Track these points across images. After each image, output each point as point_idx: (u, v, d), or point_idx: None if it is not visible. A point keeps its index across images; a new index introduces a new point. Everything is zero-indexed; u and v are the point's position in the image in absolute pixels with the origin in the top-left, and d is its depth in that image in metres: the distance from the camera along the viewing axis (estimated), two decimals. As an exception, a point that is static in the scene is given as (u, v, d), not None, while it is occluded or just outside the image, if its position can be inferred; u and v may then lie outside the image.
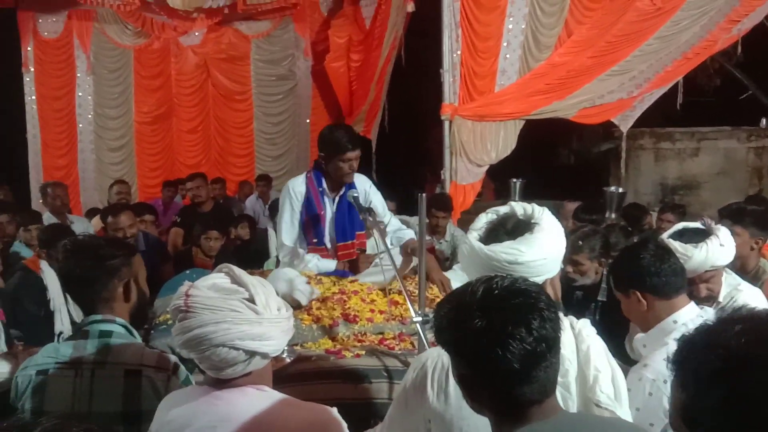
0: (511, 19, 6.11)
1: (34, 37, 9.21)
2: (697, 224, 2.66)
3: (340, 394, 2.37)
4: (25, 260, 3.85)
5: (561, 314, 1.29)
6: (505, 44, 6.14)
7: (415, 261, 3.14)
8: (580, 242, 3.25)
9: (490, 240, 1.74)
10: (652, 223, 5.44)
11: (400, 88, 8.33)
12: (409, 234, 3.33)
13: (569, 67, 6.05)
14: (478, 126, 6.14)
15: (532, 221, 1.76)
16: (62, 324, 3.66)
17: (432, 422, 1.61)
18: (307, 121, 9.67)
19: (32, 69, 9.27)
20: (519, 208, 1.83)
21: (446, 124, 6.17)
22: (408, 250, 3.19)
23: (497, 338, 1.17)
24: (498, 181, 8.13)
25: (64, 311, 3.70)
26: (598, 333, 1.70)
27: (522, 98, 6.15)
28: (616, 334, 2.49)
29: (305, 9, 9.16)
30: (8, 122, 9.71)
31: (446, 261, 4.87)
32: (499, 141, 6.19)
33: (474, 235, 1.79)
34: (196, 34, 9.34)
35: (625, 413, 1.61)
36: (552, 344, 1.21)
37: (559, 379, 1.50)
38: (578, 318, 1.71)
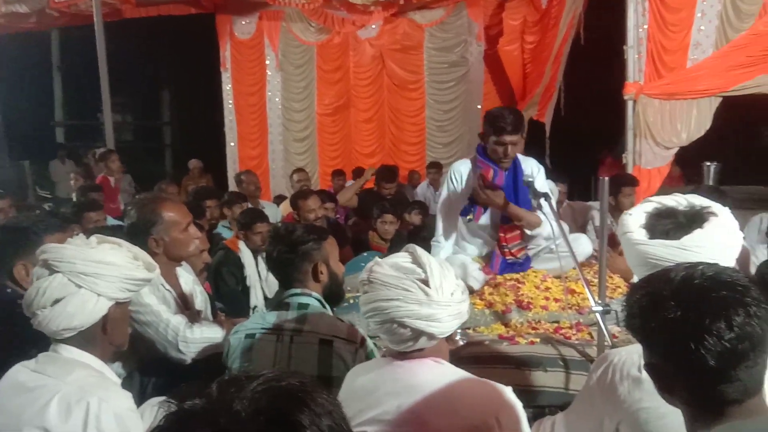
0: (706, -13, 5.58)
1: (231, 39, 10.16)
2: None
3: (514, 380, 2.34)
4: (226, 240, 4.30)
5: None
6: (699, 15, 5.61)
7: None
8: None
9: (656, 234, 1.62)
10: None
11: (577, 68, 7.95)
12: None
13: (776, 37, 5.36)
14: (667, 105, 5.69)
15: (705, 212, 1.62)
16: (257, 299, 4.04)
17: (623, 423, 1.54)
18: (479, 107, 9.59)
19: (229, 68, 10.24)
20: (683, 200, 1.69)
21: (629, 104, 5.80)
22: None
23: (692, 332, 1.08)
24: (688, 166, 7.46)
25: (258, 287, 4.08)
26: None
27: (719, 73, 5.57)
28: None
29: (479, -7, 9.08)
30: (209, 118, 10.87)
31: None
32: (691, 121, 5.67)
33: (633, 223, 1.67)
34: (373, 26, 9.67)
35: None
36: (757, 343, 1.09)
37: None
38: None
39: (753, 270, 3.59)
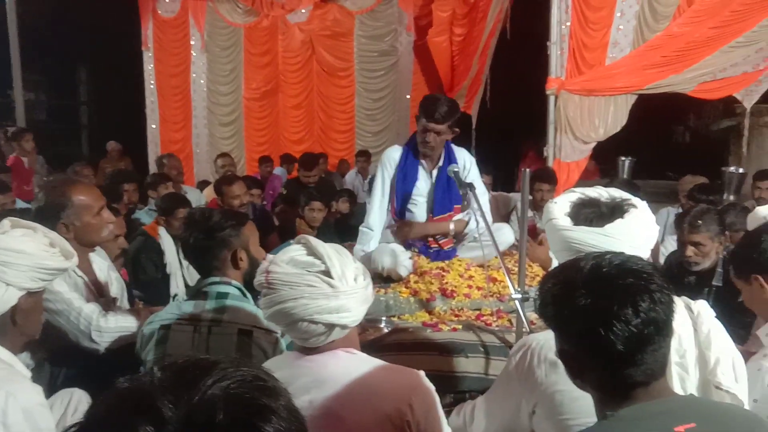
0: (626, -12, 5.81)
1: (154, 17, 9.75)
2: None
3: (437, 366, 2.39)
4: (145, 226, 4.14)
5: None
6: (618, 14, 5.83)
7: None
8: (699, 221, 3.07)
9: (579, 221, 1.69)
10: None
11: (503, 62, 8.12)
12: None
13: (689, 39, 5.64)
14: (586, 101, 5.88)
15: (624, 205, 1.70)
16: (177, 287, 3.91)
17: (539, 405, 1.58)
18: (408, 96, 9.65)
19: (151, 47, 9.83)
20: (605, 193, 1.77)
21: (551, 99, 5.96)
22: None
23: (601, 318, 1.13)
24: (606, 160, 7.80)
25: (178, 275, 3.96)
26: (712, 320, 1.61)
27: (635, 72, 5.82)
28: (732, 321, 2.34)
29: (409, -17, 9.10)
30: (129, 99, 10.40)
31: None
32: (609, 117, 5.90)
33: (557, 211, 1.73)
34: (303, 11, 9.53)
35: (744, 401, 1.52)
36: (661, 327, 1.15)
37: (677, 359, 1.44)
38: None
39: (662, 260, 3.81)
